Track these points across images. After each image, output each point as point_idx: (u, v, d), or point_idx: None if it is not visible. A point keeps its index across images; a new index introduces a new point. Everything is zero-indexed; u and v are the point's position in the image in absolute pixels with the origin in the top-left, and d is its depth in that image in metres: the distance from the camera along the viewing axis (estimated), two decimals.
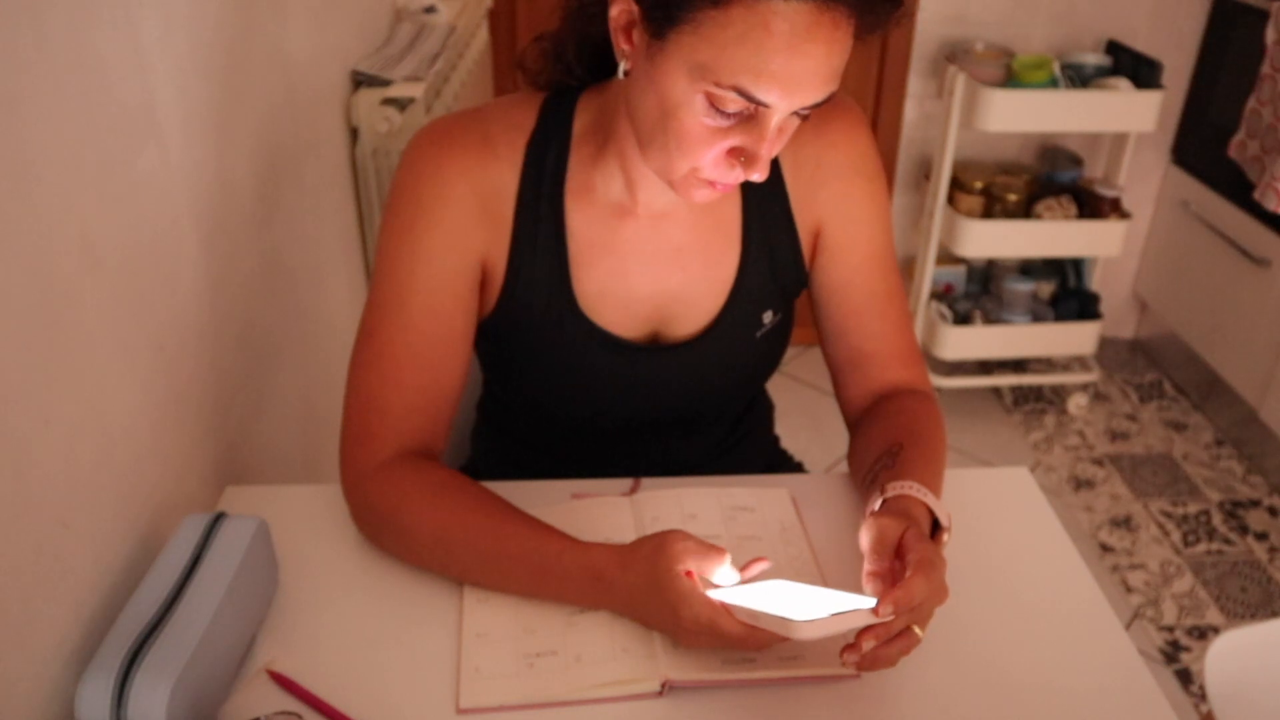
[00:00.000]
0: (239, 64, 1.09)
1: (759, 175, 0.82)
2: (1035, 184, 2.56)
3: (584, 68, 0.95)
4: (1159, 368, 2.93)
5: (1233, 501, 2.42)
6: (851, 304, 1.02)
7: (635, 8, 0.79)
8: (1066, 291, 2.70)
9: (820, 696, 0.80)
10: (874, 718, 0.79)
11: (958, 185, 2.51)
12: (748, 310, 1.01)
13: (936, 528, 0.86)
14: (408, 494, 0.89)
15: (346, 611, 0.86)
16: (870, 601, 0.74)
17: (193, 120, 0.97)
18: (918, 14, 2.54)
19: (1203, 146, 2.60)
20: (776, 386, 1.18)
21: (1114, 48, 2.52)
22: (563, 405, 1.03)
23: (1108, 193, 2.48)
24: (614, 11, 0.81)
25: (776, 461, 1.25)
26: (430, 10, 1.77)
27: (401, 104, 1.46)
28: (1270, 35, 2.19)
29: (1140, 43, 2.52)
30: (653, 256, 0.97)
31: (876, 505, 0.86)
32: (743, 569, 0.83)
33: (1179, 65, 2.62)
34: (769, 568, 0.84)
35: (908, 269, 2.73)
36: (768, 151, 0.80)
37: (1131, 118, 2.36)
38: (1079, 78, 2.41)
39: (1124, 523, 2.35)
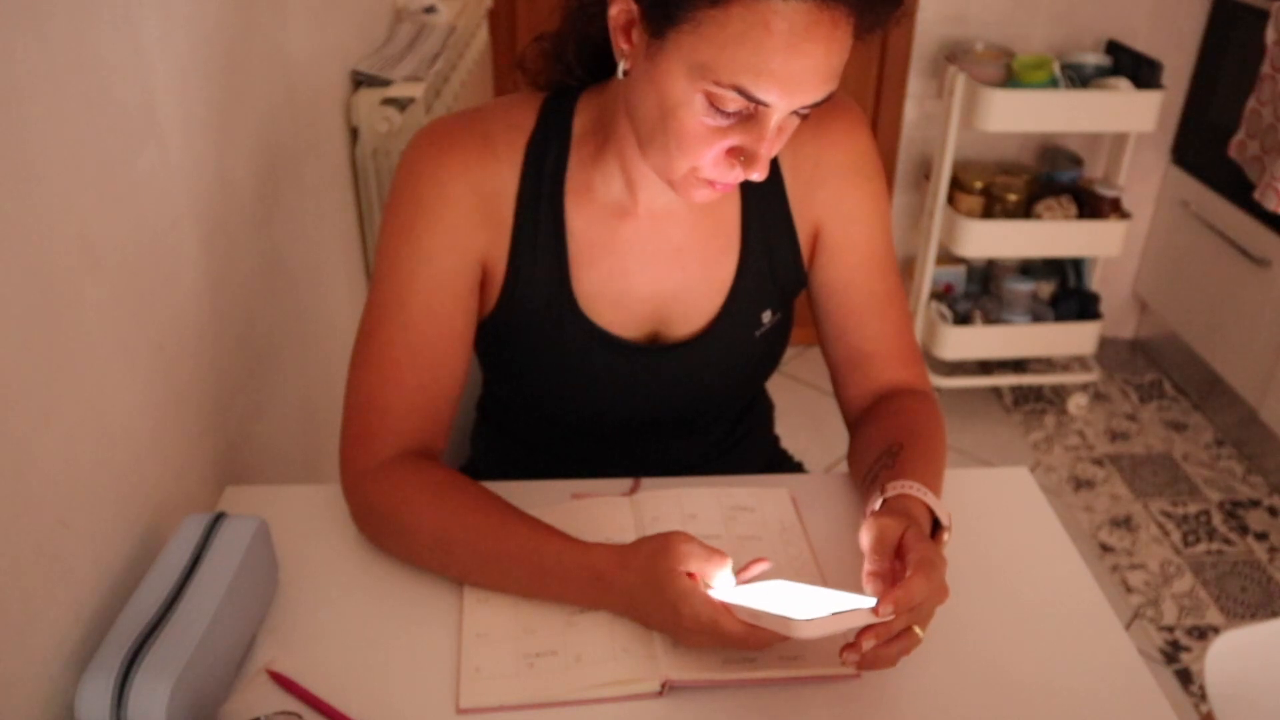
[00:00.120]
0: (239, 64, 1.09)
1: (759, 175, 0.82)
2: (1035, 184, 2.56)
3: (584, 68, 0.95)
4: (1159, 368, 2.93)
5: (1233, 501, 2.42)
6: (851, 304, 1.02)
7: (634, 7, 0.79)
8: (1066, 291, 2.70)
9: (820, 696, 0.80)
10: (874, 718, 0.79)
11: (958, 185, 2.51)
12: (747, 310, 1.01)
13: (937, 527, 0.86)
14: (408, 494, 0.89)
15: (346, 611, 0.86)
16: (870, 601, 0.74)
17: (193, 120, 0.97)
18: (918, 14, 2.54)
19: (1203, 146, 2.60)
20: (776, 386, 1.18)
21: (1114, 48, 2.52)
22: (563, 405, 1.03)
23: (1108, 193, 2.48)
24: (613, 11, 0.81)
25: (776, 461, 1.25)
26: (430, 10, 1.77)
27: (401, 104, 1.46)
28: (1270, 35, 2.19)
29: (1140, 43, 2.52)
30: (652, 256, 0.97)
31: (876, 505, 0.86)
32: (743, 569, 0.83)
33: (1179, 65, 2.62)
34: (769, 568, 0.84)
35: (908, 269, 2.73)
36: (767, 151, 0.80)
37: (1131, 118, 2.36)
38: (1079, 78, 2.41)
39: (1124, 523, 2.35)
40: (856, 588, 0.80)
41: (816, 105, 0.79)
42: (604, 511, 0.95)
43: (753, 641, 0.77)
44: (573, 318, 0.97)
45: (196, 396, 0.99)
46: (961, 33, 2.57)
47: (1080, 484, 2.47)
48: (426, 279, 0.91)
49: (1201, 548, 2.28)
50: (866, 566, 0.80)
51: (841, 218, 1.01)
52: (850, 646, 0.74)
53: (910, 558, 0.78)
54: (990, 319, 2.63)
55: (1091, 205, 2.51)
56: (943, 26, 2.57)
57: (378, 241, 0.95)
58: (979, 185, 2.50)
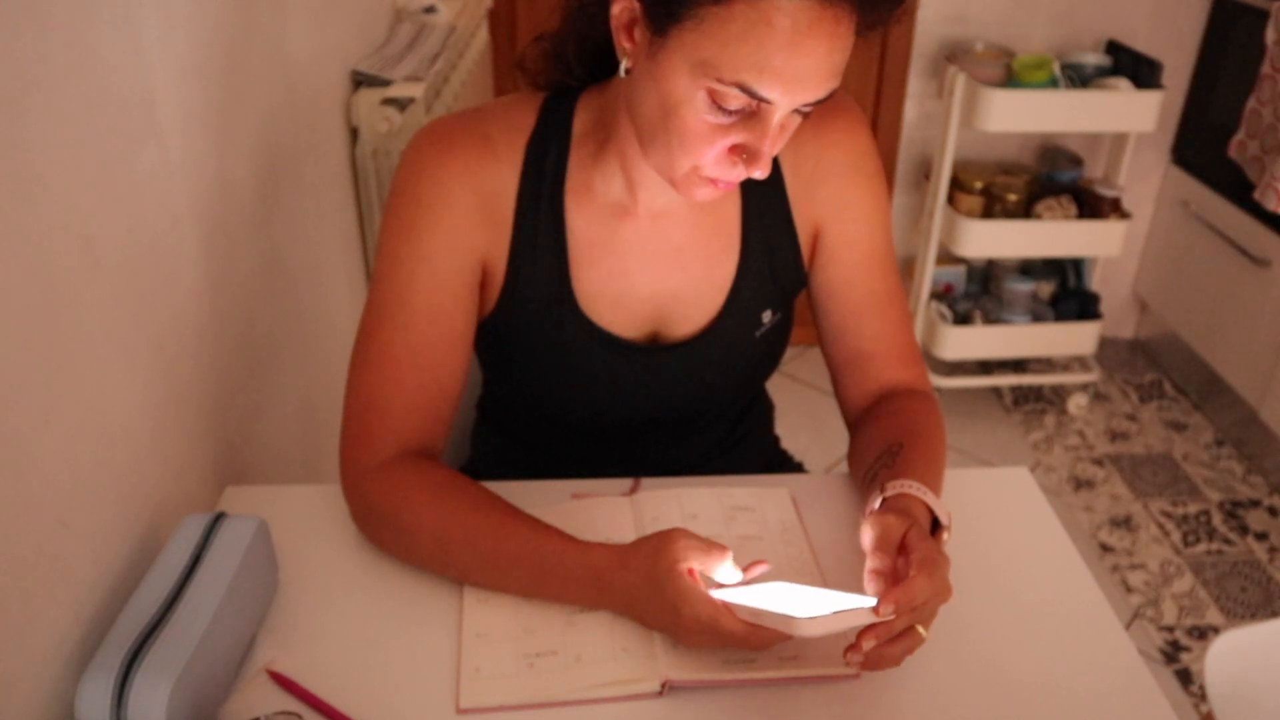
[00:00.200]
0: (239, 64, 1.09)
1: (761, 173, 0.82)
2: (1035, 184, 2.56)
3: (584, 68, 0.95)
4: (1159, 368, 2.93)
5: (1233, 501, 2.42)
6: (851, 304, 1.02)
7: (637, 5, 0.79)
8: (1066, 291, 2.70)
9: (820, 696, 0.80)
10: (874, 718, 0.79)
11: (958, 185, 2.51)
12: (747, 310, 1.01)
13: (936, 527, 0.86)
14: (408, 494, 0.89)
15: (346, 611, 0.86)
16: (872, 601, 0.74)
17: (193, 120, 0.97)
18: (918, 14, 2.54)
19: (1203, 146, 2.60)
20: (776, 386, 1.18)
21: (1114, 48, 2.52)
22: (563, 405, 1.03)
23: (1108, 193, 2.48)
24: (615, 9, 0.81)
25: (776, 461, 1.25)
26: (430, 10, 1.77)
27: (401, 104, 1.46)
28: (1270, 35, 2.19)
29: (1140, 43, 2.52)
30: (652, 256, 0.97)
31: (876, 504, 0.86)
32: (744, 570, 0.83)
33: (1179, 65, 2.62)
34: (769, 570, 0.84)
35: (908, 269, 2.73)
36: (770, 149, 0.80)
37: (1131, 118, 2.36)
38: (1079, 78, 2.41)
39: (1124, 523, 2.35)
40: (857, 588, 0.80)
41: (819, 103, 0.79)
42: (604, 511, 0.95)
43: (753, 641, 0.77)
44: (573, 318, 0.97)
45: (196, 396, 0.99)
46: (961, 33, 2.57)
47: (1080, 484, 2.47)
48: (427, 279, 0.91)
49: (1201, 548, 2.28)
50: (869, 564, 0.80)
51: (842, 217, 1.01)
52: (852, 647, 0.74)
53: (913, 557, 0.77)
54: (990, 319, 2.63)
55: (1091, 205, 2.51)
56: (943, 26, 2.57)
57: (378, 241, 0.95)
58: (979, 185, 2.50)
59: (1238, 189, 2.39)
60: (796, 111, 0.80)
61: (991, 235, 2.48)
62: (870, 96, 2.66)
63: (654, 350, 1.00)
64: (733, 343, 1.01)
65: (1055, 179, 2.62)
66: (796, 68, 0.75)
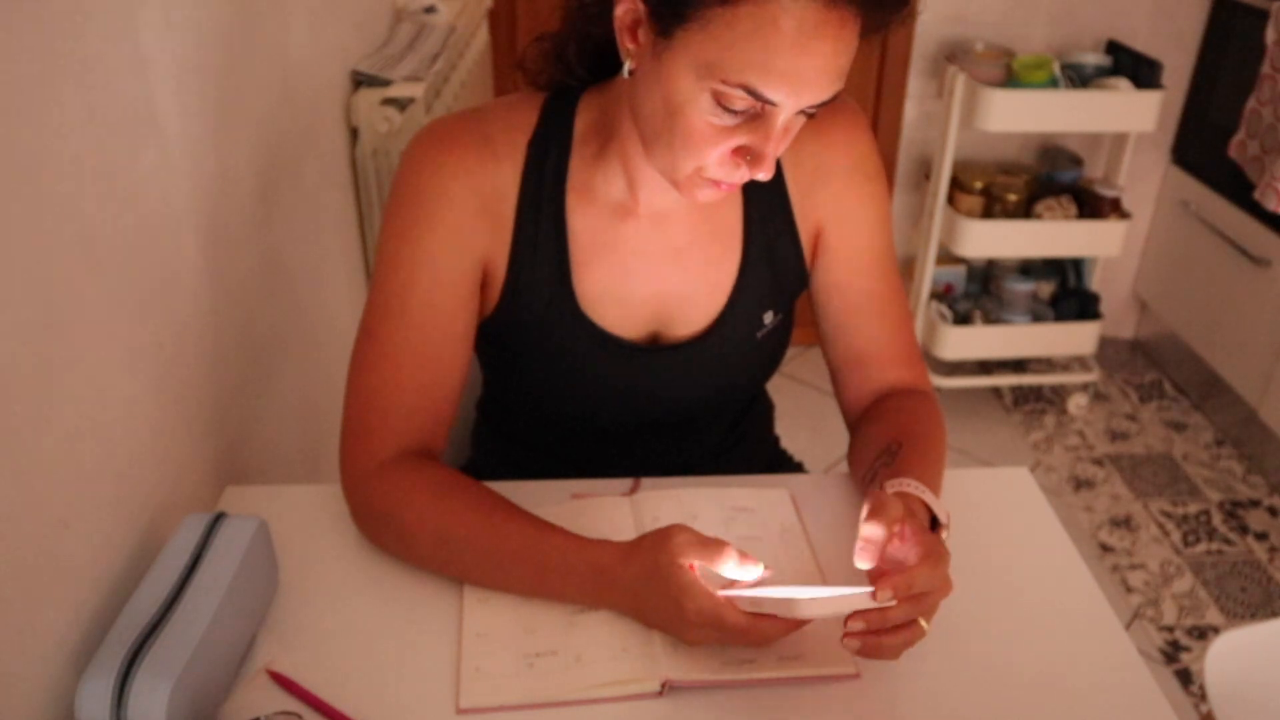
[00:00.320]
0: (239, 64, 1.09)
1: (764, 174, 0.82)
2: (1035, 184, 2.56)
3: (585, 68, 0.95)
4: (1159, 368, 2.93)
5: (1233, 501, 2.42)
6: (851, 304, 1.02)
7: (641, 6, 0.79)
8: (1066, 291, 2.70)
9: (820, 696, 0.80)
10: (874, 718, 0.79)
11: (958, 185, 2.51)
12: (748, 311, 1.01)
13: (934, 526, 0.86)
14: (408, 493, 0.89)
15: (346, 611, 0.86)
16: (871, 590, 0.74)
17: (193, 120, 0.97)
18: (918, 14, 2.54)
19: (1203, 146, 2.60)
20: (776, 386, 1.18)
21: (1114, 48, 2.52)
22: (563, 405, 1.03)
23: (1108, 193, 2.48)
24: (619, 11, 0.81)
25: (776, 462, 1.25)
26: (430, 10, 1.77)
27: (401, 104, 1.46)
28: (1270, 35, 2.19)
29: (1140, 43, 2.52)
30: (654, 257, 0.97)
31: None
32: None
33: (1179, 65, 2.62)
34: (770, 575, 0.84)
35: (908, 269, 2.73)
36: (774, 151, 0.80)
37: (1131, 118, 2.36)
38: (1079, 78, 2.41)
39: (1124, 523, 2.35)
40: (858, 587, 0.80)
41: (823, 105, 0.79)
42: (604, 512, 0.95)
43: (755, 634, 0.77)
44: (573, 318, 0.97)
45: (196, 396, 0.99)
46: (961, 33, 2.57)
47: (1080, 484, 2.47)
48: (427, 279, 0.91)
49: (1201, 548, 2.28)
50: (861, 532, 0.78)
51: (842, 218, 1.01)
52: (848, 633, 0.74)
53: (918, 550, 0.77)
54: (990, 319, 2.63)
55: (1091, 205, 2.51)
56: (943, 26, 2.57)
57: (378, 242, 0.95)
58: (979, 185, 2.50)
59: (1238, 189, 2.39)
60: (801, 113, 0.80)
61: (991, 235, 2.48)
62: (870, 96, 2.66)
63: (654, 351, 1.00)
64: (733, 344, 1.01)
65: (1055, 179, 2.61)
66: (802, 69, 0.75)
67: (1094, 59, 2.44)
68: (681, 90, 0.78)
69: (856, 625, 0.74)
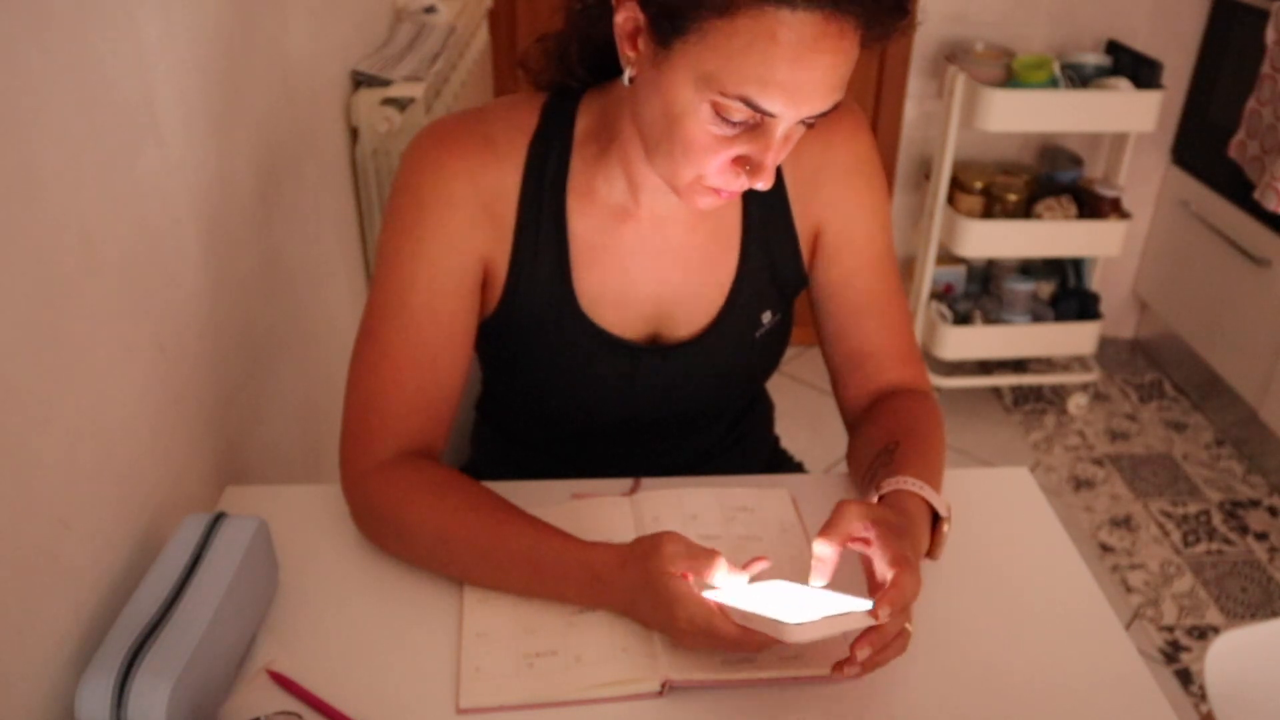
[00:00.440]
0: (239, 64, 1.09)
1: (764, 184, 0.82)
2: (1035, 184, 2.56)
3: (586, 69, 0.94)
4: (1159, 368, 2.93)
5: (1233, 501, 2.42)
6: (851, 304, 1.02)
7: (641, 15, 0.79)
8: (1066, 291, 2.70)
9: (820, 696, 0.80)
10: (873, 718, 0.79)
11: (958, 185, 2.51)
12: (747, 311, 1.01)
13: (935, 521, 0.86)
14: (408, 493, 0.89)
15: (346, 611, 0.86)
16: (866, 604, 0.74)
17: (193, 120, 0.97)
18: (918, 15, 2.54)
19: (1203, 146, 2.60)
20: (776, 386, 1.18)
21: (1114, 48, 2.52)
22: (563, 405, 1.03)
23: (1108, 193, 2.48)
24: (619, 18, 0.81)
25: (776, 461, 1.25)
26: (430, 10, 1.77)
27: (401, 104, 1.47)
28: (1270, 35, 2.19)
29: (1140, 43, 2.52)
30: (654, 258, 0.97)
31: (873, 501, 0.86)
32: (743, 567, 0.83)
33: (1179, 65, 2.61)
34: (768, 567, 0.84)
35: (908, 269, 2.73)
36: (773, 160, 0.81)
37: (1131, 118, 2.36)
38: (1079, 78, 2.41)
39: (1124, 523, 2.35)
40: (856, 588, 0.80)
41: (823, 115, 0.79)
42: (604, 511, 0.95)
43: (748, 643, 0.77)
44: (574, 318, 0.97)
45: (196, 396, 0.99)
46: (961, 33, 2.57)
47: (1080, 484, 2.47)
48: (427, 280, 0.91)
49: (1201, 548, 2.28)
50: (814, 550, 0.80)
51: (842, 219, 1.01)
52: (847, 661, 0.74)
53: (887, 558, 0.77)
54: (990, 319, 2.63)
55: (1091, 205, 2.51)
56: (943, 26, 2.57)
57: (378, 242, 0.95)
58: (979, 185, 2.50)
59: (1238, 189, 2.39)
60: (801, 123, 0.80)
61: (991, 235, 2.48)
62: (870, 96, 2.66)
63: (654, 351, 1.00)
64: (733, 344, 1.01)
65: (1055, 179, 2.62)
66: (800, 81, 0.75)
67: (1094, 59, 2.44)
68: (681, 100, 0.78)
69: (864, 652, 0.74)
